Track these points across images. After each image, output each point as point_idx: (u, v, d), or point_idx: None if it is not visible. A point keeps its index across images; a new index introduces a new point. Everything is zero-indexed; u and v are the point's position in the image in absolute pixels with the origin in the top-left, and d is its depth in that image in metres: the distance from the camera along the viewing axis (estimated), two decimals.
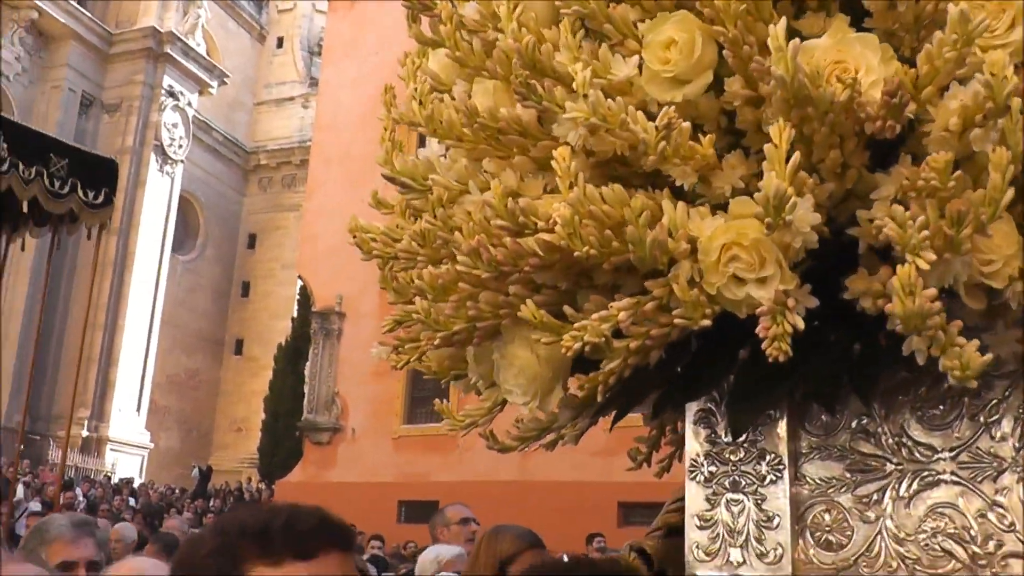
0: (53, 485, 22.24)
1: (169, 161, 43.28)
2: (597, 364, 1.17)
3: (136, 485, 31.43)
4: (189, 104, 44.48)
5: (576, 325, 1.07)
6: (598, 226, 1.04)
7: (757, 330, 1.05)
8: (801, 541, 1.37)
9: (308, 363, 24.53)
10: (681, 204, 1.09)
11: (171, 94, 43.22)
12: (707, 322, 1.07)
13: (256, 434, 38.61)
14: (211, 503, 28.74)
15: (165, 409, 44.92)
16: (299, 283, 31.23)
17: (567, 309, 1.14)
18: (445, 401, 1.74)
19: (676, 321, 1.06)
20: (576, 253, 1.06)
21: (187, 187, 45.58)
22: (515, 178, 1.19)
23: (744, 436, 1.40)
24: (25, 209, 7.76)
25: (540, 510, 18.76)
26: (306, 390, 24.24)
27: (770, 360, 1.05)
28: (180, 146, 43.69)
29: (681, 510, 1.84)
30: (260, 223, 50.70)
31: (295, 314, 36.62)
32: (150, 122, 42.33)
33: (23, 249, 9.26)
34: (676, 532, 1.75)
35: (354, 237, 1.43)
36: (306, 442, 23.73)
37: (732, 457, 1.42)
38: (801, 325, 1.06)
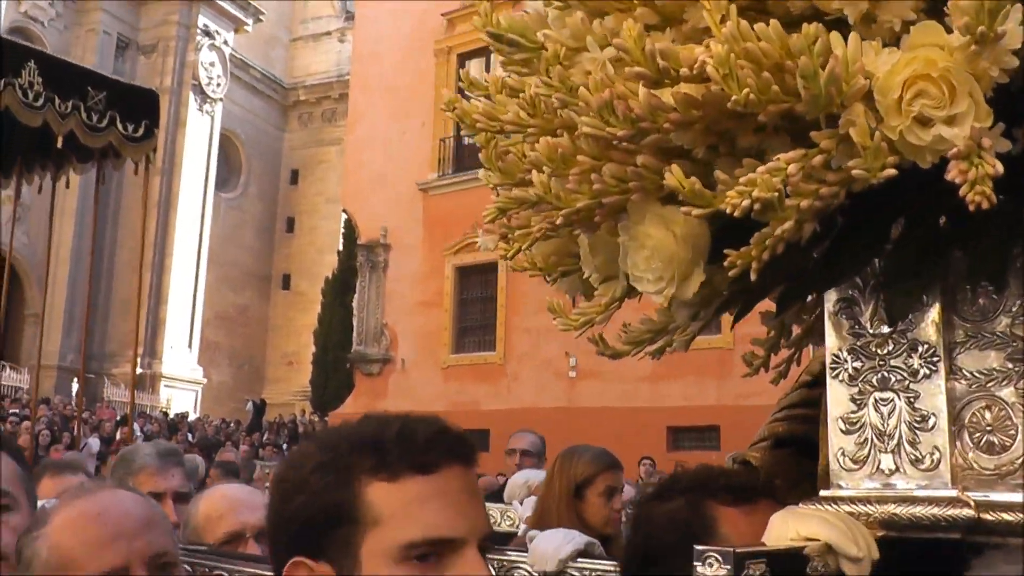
0: (109, 422, 22.59)
1: (208, 100, 43.30)
2: (737, 244, 1.01)
3: (191, 420, 31.91)
4: (225, 43, 44.32)
5: (743, 180, 0.91)
6: (755, 68, 0.88)
7: (948, 176, 0.88)
8: (959, 443, 1.21)
9: (355, 296, 24.64)
10: (853, 35, 0.92)
11: (207, 33, 43.08)
12: (891, 172, 0.90)
13: (307, 367, 39.10)
14: (265, 436, 29.20)
15: (216, 345, 45.56)
16: (344, 217, 31.31)
17: (720, 174, 0.97)
18: (557, 301, 1.63)
19: (854, 173, 0.89)
20: (733, 98, 0.89)
21: (227, 125, 45.61)
22: (640, 29, 1.02)
23: (892, 327, 1.23)
24: (61, 144, 7.58)
25: (589, 436, 18.75)
26: (354, 322, 24.38)
27: (972, 208, 0.88)
28: (218, 85, 43.65)
29: (789, 419, 1.69)
30: (302, 158, 50.77)
31: (341, 248, 36.77)
32: (187, 62, 42.28)
33: (68, 187, 9.15)
34: (783, 443, 1.64)
35: (452, 110, 1.27)
36: (356, 374, 23.97)
37: (879, 351, 1.26)
38: (1001, 169, 0.89)
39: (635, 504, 1.92)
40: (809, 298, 1.50)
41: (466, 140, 23.18)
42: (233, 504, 2.63)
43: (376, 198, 23.88)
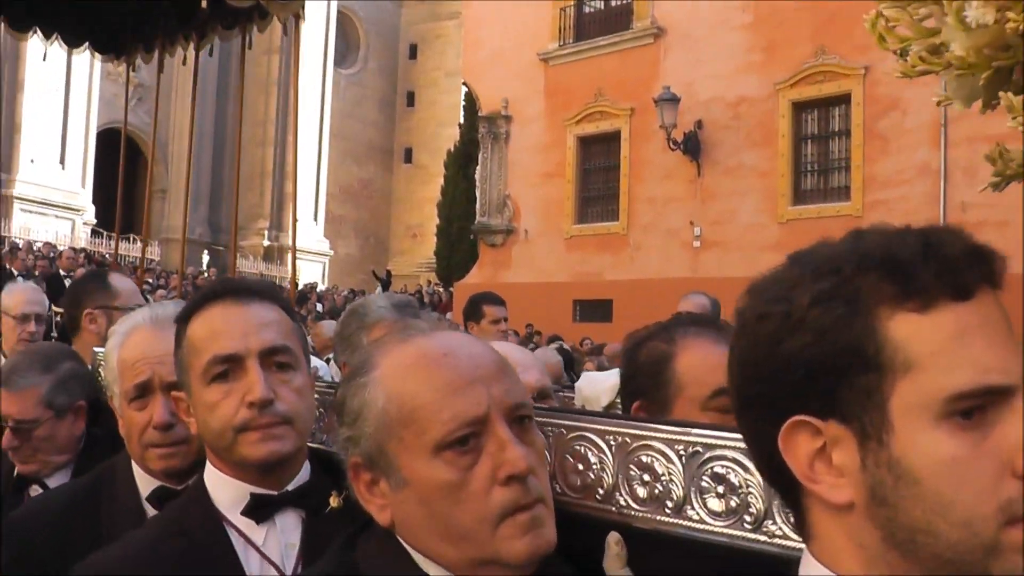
0: None
1: None
2: None
3: (320, 290, 32.95)
4: None
5: None
6: None
7: None
8: None
9: (478, 167, 24.78)
10: None
11: None
12: None
13: (431, 239, 39.80)
14: None
15: (341, 218, 46.71)
16: (464, 89, 31.27)
17: None
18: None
19: None
20: None
21: (345, 2, 45.64)
22: None
23: None
24: (205, 4, 6.90)
25: None
26: (477, 194, 24.61)
27: None
28: None
29: None
30: (420, 33, 50.60)
31: (462, 120, 36.87)
32: None
33: (184, 63, 9.08)
34: None
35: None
36: (480, 245, 24.30)
37: None
38: None
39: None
40: None
41: (587, 8, 22.79)
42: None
43: (496, 70, 23.77)
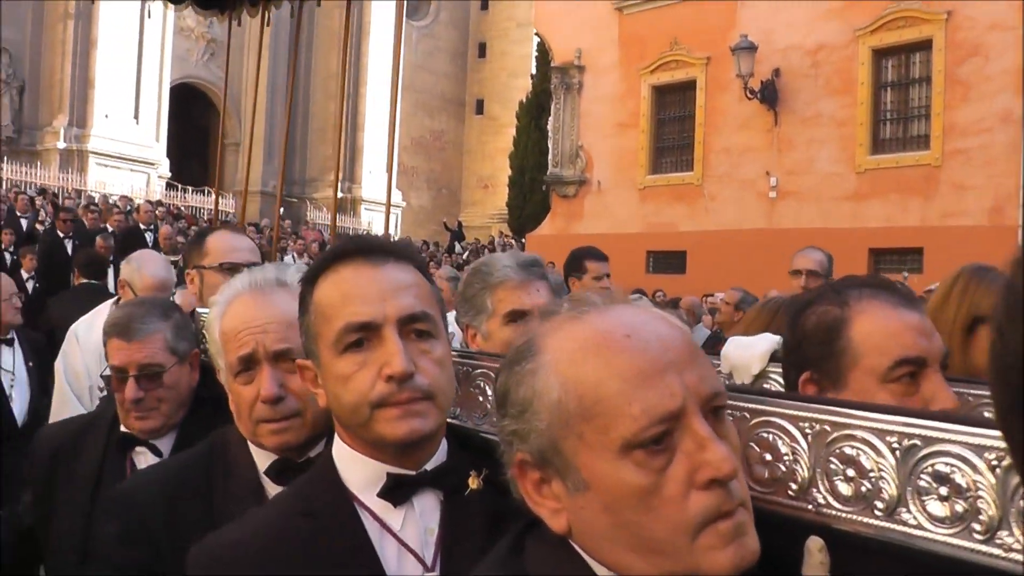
0: (315, 243, 23.62)
1: None
2: None
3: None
4: None
5: None
6: None
7: None
8: None
9: (550, 118, 24.76)
10: None
11: None
12: None
13: (502, 190, 39.94)
14: (464, 256, 30.32)
15: (413, 170, 47.05)
16: (536, 40, 31.16)
17: None
18: None
19: None
20: None
21: None
22: None
23: None
24: None
25: (788, 258, 18.68)
26: (550, 145, 24.61)
27: None
28: None
29: None
30: None
31: (534, 71, 36.76)
32: None
33: (239, 24, 9.18)
34: None
35: None
36: (553, 196, 24.35)
37: None
38: None
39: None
40: None
41: None
42: None
43: (569, 20, 23.64)
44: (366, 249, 1.59)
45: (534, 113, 34.06)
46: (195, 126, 41.52)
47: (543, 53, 30.21)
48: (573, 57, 23.40)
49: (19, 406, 5.82)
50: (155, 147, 36.47)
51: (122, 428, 2.58)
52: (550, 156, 24.37)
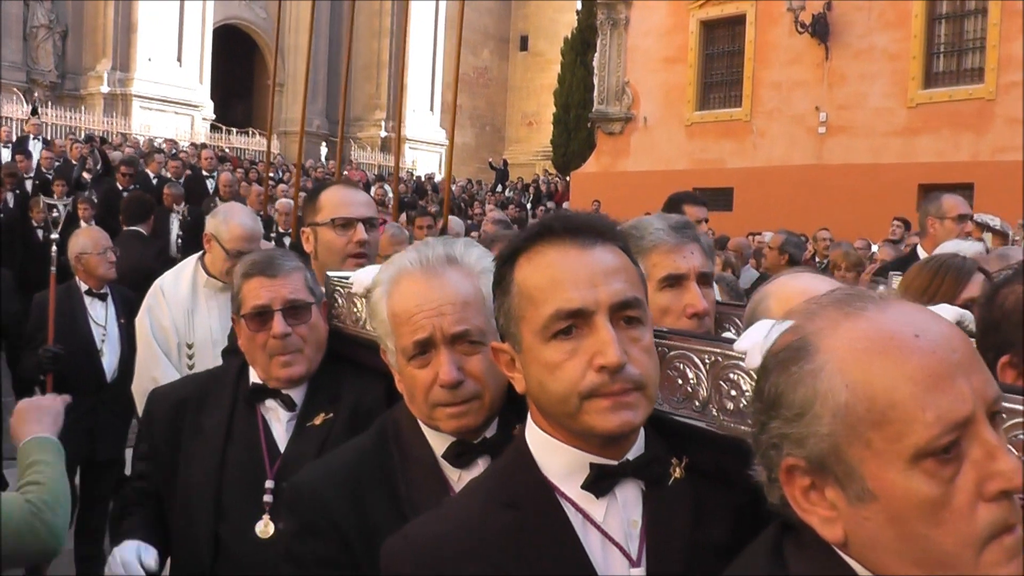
0: (360, 182, 23.58)
1: None
2: None
3: (437, 181, 33.45)
4: None
5: None
6: None
7: None
8: None
9: (596, 54, 24.55)
10: None
11: None
12: None
13: (547, 127, 39.71)
14: (509, 194, 30.33)
15: (458, 107, 46.83)
16: None
17: None
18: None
19: None
20: None
21: None
22: None
23: None
24: None
25: (837, 193, 18.58)
26: (595, 81, 24.43)
27: None
28: None
29: None
30: None
31: (579, 6, 36.32)
32: None
33: None
34: None
35: None
36: (598, 133, 24.23)
37: None
38: None
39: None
40: None
41: None
42: None
43: None
44: (573, 229, 1.51)
45: (579, 49, 33.71)
46: (238, 67, 41.62)
47: None
48: None
49: (109, 361, 5.91)
50: (198, 89, 36.65)
51: (252, 380, 2.55)
52: (596, 93, 24.21)
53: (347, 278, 2.57)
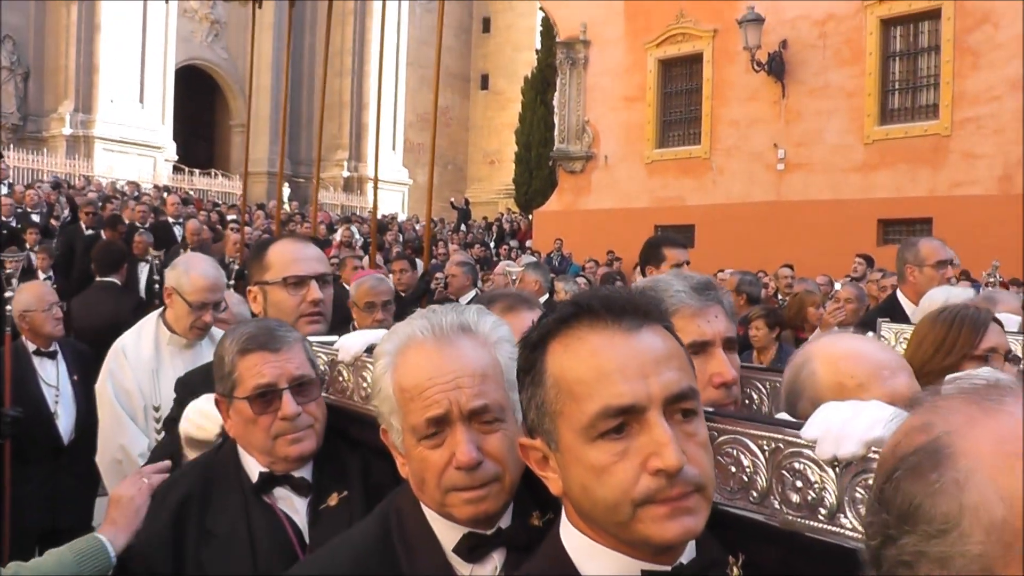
0: (323, 223, 23.48)
1: None
2: None
3: (400, 220, 33.40)
4: None
5: None
6: None
7: None
8: None
9: (556, 93, 24.68)
10: None
11: None
12: None
13: (509, 166, 39.90)
14: (470, 235, 30.25)
15: (420, 146, 46.93)
16: (540, 14, 31.00)
17: None
18: None
19: None
20: None
21: None
22: None
23: None
24: None
25: (798, 229, 18.71)
26: (556, 120, 24.56)
27: None
28: None
29: None
30: None
31: (539, 45, 36.62)
32: None
33: (260, 7, 9.34)
34: None
35: None
36: (560, 171, 24.31)
37: None
38: None
39: None
40: None
41: None
42: None
43: None
44: (616, 310, 1.34)
45: (539, 88, 33.96)
46: (200, 108, 41.50)
47: (548, 27, 30.11)
48: (578, 31, 23.29)
49: (66, 422, 5.58)
50: (161, 130, 36.51)
51: (259, 468, 2.24)
52: (556, 131, 24.34)
53: (331, 343, 2.40)
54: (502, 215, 34.64)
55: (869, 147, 18.69)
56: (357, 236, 23.51)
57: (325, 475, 2.24)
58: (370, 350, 2.16)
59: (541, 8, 28.06)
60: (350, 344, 2.27)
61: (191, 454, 2.53)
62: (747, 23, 19.27)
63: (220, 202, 30.10)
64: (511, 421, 1.62)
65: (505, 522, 1.66)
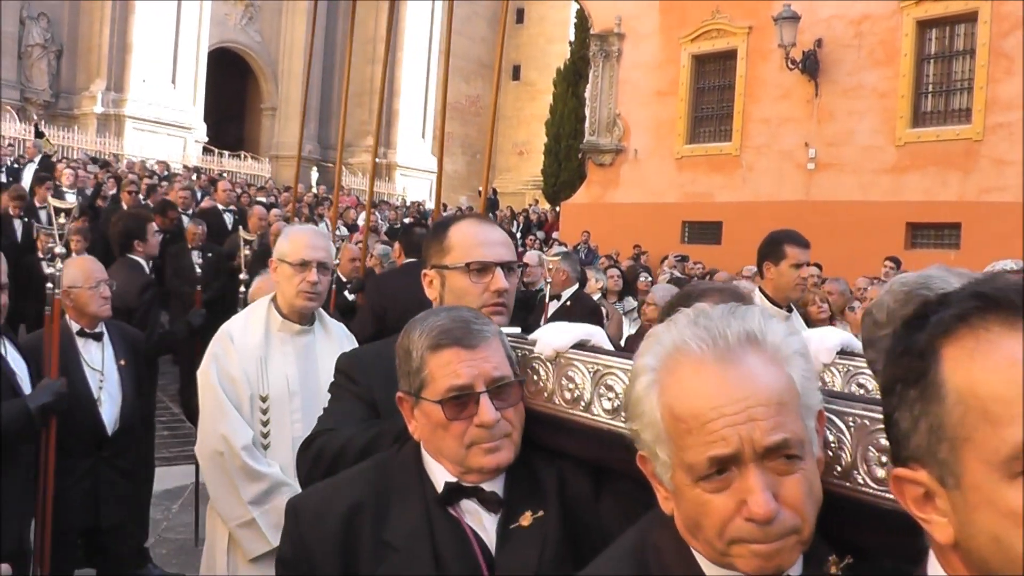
0: (352, 208, 23.61)
1: None
2: None
3: (427, 208, 33.51)
4: None
5: None
6: None
7: None
8: None
9: (588, 86, 24.68)
10: None
11: None
12: None
13: (538, 157, 39.89)
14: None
15: (449, 135, 47.04)
16: (575, 5, 30.99)
17: None
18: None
19: None
20: None
21: None
22: None
23: None
24: None
25: (826, 230, 18.63)
26: (587, 112, 24.54)
27: None
28: None
29: None
30: None
31: (572, 37, 36.60)
32: None
33: None
34: None
35: None
36: (589, 164, 24.32)
37: None
38: None
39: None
40: None
41: None
42: None
43: None
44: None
45: (571, 80, 33.92)
46: (231, 90, 41.76)
47: (582, 19, 30.08)
48: (613, 24, 23.27)
49: (109, 410, 5.17)
50: (191, 111, 36.78)
51: (445, 476, 1.98)
52: (587, 123, 24.30)
53: (524, 337, 2.10)
54: (529, 206, 34.67)
55: (900, 149, 18.63)
56: (380, 221, 23.64)
57: (518, 490, 1.97)
58: (577, 346, 1.97)
59: (576, 0, 28.03)
60: (552, 338, 1.99)
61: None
62: (783, 20, 19.24)
63: (250, 184, 30.31)
64: (809, 458, 1.33)
65: (795, 571, 1.35)
